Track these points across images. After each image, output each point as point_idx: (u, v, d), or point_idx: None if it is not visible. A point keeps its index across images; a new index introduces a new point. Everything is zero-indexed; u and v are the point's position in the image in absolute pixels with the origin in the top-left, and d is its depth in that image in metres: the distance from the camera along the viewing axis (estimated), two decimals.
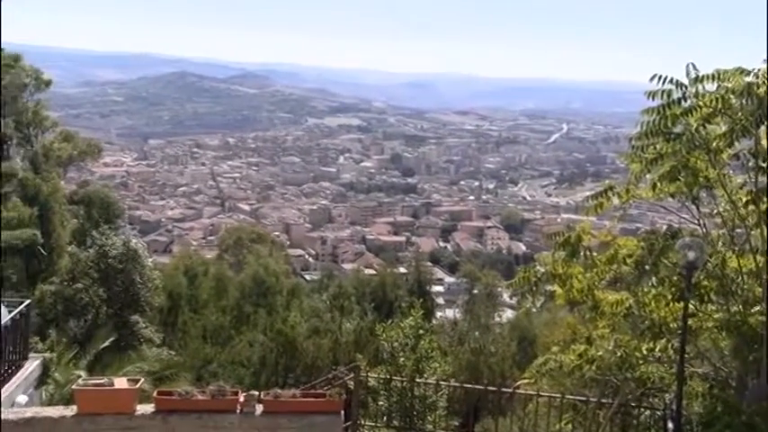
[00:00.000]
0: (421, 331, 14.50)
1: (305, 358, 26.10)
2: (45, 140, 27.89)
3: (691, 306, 8.46)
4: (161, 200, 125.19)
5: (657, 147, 8.59)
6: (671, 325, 8.89)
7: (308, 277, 61.87)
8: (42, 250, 24.89)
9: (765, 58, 8.03)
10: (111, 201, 29.44)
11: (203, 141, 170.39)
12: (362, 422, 11.08)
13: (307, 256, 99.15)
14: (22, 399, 10.56)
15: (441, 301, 53.31)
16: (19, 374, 11.04)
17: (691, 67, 8.25)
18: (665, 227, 9.56)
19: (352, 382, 10.36)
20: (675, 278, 8.63)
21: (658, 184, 8.73)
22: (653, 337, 9.08)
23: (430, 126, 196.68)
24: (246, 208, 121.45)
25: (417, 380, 12.36)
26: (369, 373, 12.24)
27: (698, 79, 8.23)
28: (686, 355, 8.57)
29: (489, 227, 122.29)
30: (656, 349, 8.98)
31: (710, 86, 8.30)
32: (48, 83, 28.12)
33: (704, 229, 9.01)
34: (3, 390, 10.24)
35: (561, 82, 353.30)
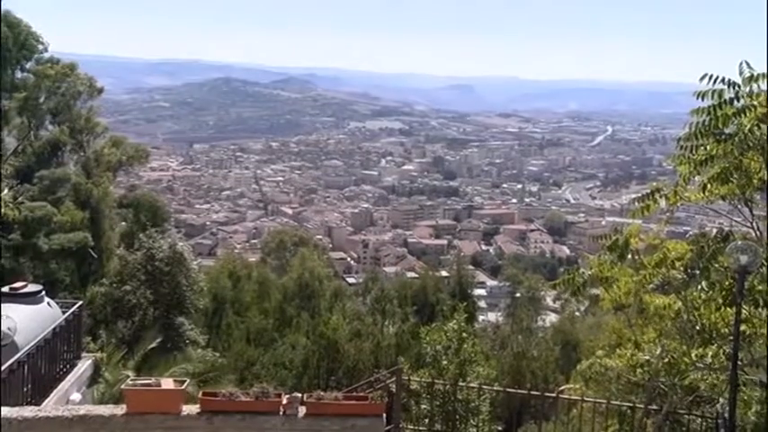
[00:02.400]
0: (464, 335, 14.44)
1: (347, 361, 26.20)
2: (96, 146, 28.63)
3: (744, 311, 8.18)
4: (206, 203, 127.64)
5: (708, 148, 8.36)
6: (722, 330, 8.62)
7: (350, 280, 62.17)
8: (93, 253, 25.59)
9: (766, 59, 7.75)
10: (159, 204, 30.03)
11: (247, 145, 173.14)
12: (404, 425, 11.05)
13: (349, 260, 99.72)
14: (76, 396, 10.86)
15: (483, 304, 52.92)
16: (73, 373, 11.35)
17: (745, 65, 7.99)
18: (714, 230, 9.28)
19: (393, 386, 10.35)
20: (727, 282, 8.38)
21: (709, 186, 8.48)
22: (703, 343, 8.83)
23: (472, 129, 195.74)
24: (289, 211, 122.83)
25: (460, 383, 12.27)
26: (411, 377, 12.22)
27: (752, 78, 7.96)
28: (739, 362, 8.29)
29: (532, 230, 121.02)
30: (709, 355, 8.72)
31: (765, 86, 8.02)
32: (100, 90, 28.91)
33: (758, 232, 8.72)
34: (58, 387, 10.57)
35: (606, 83, 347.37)
